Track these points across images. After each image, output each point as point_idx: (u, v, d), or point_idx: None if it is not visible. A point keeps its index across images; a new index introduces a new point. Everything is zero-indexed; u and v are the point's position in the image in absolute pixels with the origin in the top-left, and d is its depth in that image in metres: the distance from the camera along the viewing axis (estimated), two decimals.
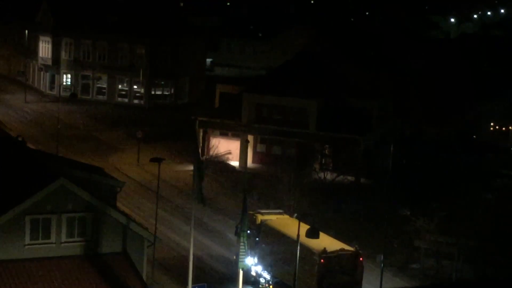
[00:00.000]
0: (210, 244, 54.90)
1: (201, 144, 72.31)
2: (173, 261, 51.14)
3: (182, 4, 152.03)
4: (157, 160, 48.16)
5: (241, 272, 41.51)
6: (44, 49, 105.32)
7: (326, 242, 44.29)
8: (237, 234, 49.17)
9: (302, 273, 43.27)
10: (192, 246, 37.79)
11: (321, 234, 45.47)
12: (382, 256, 46.95)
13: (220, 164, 71.59)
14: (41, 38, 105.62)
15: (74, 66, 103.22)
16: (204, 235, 55.70)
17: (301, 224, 41.34)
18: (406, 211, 53.46)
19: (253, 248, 47.00)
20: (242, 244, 41.00)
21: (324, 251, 43.33)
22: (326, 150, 73.77)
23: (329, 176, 66.35)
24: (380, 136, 71.56)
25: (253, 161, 75.09)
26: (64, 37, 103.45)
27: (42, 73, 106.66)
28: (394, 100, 78.83)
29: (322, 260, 43.21)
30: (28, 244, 35.01)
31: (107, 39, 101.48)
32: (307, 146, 71.68)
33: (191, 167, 52.17)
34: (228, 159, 73.96)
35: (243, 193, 44.20)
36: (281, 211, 51.57)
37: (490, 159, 71.20)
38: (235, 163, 74.03)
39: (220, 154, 73.07)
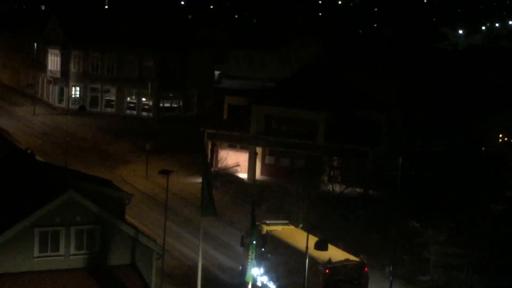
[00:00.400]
0: (217, 255, 54.88)
1: (209, 156, 72.29)
2: (182, 273, 51.09)
3: (190, 17, 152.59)
4: (165, 172, 48.21)
5: (250, 285, 41.49)
6: (53, 61, 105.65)
7: (331, 253, 44.22)
8: (243, 244, 49.41)
9: (307, 283, 43.15)
10: (201, 258, 37.80)
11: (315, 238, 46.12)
12: (391, 268, 46.84)
13: (229, 176, 71.60)
14: (50, 50, 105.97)
15: (83, 79, 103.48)
16: (211, 247, 55.67)
17: (310, 236, 41.33)
18: (415, 223, 53.34)
19: (258, 258, 46.93)
20: (250, 256, 41.01)
21: (329, 261, 43.38)
22: (335, 162, 73.67)
23: (337, 188, 66.24)
24: (389, 148, 71.45)
25: (262, 173, 75.03)
26: (73, 50, 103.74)
27: (51, 85, 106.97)
28: (403, 111, 78.76)
29: (327, 270, 43.28)
30: (37, 257, 35.05)
31: (116, 51, 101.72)
32: (315, 158, 71.56)
33: (199, 179, 52.20)
34: (236, 171, 73.95)
35: (251, 205, 44.25)
36: (286, 221, 51.59)
37: (498, 170, 70.98)
38: (243, 175, 74.01)
39: (228, 166, 73.09)
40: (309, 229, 43.33)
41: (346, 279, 43.47)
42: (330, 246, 44.51)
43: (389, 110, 76.62)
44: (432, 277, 52.41)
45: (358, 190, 66.59)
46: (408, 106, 79.44)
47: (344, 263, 43.92)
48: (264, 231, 48.76)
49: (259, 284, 47.93)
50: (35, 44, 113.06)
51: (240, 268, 50.20)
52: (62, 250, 35.49)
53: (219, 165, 72.86)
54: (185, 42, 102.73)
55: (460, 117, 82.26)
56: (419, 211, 55.00)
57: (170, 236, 52.27)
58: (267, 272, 47.46)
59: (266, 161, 76.08)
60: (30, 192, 37.23)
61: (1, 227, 34.50)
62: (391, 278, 46.48)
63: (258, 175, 74.21)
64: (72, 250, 35.67)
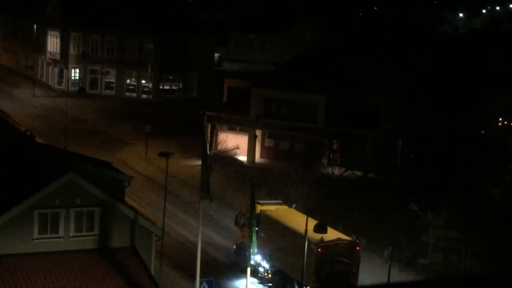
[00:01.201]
0: (215, 237, 55.02)
1: (209, 139, 72.28)
2: (181, 255, 51.19)
3: None
4: (165, 155, 48.16)
5: (248, 270, 41.61)
6: (53, 43, 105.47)
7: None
8: (237, 224, 50.02)
9: (300, 263, 43.83)
10: (200, 241, 37.87)
11: (312, 220, 46.45)
12: (390, 251, 46.95)
13: (228, 158, 71.62)
14: (50, 32, 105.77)
15: (83, 61, 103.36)
16: (210, 228, 55.77)
17: (309, 219, 41.48)
18: (414, 206, 53.40)
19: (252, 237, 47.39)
20: (252, 239, 41.12)
21: (322, 240, 43.74)
22: (335, 145, 73.72)
23: (337, 171, 66.29)
24: (389, 131, 71.45)
25: (261, 156, 75.07)
26: (72, 32, 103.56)
27: (50, 67, 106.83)
28: (404, 95, 78.70)
29: (319, 249, 43.80)
30: (37, 238, 35.12)
31: (116, 33, 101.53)
32: (315, 141, 71.63)
33: (199, 162, 52.25)
34: (236, 154, 73.97)
35: (251, 187, 44.37)
36: (280, 201, 51.92)
37: (498, 154, 71.03)
38: (243, 158, 74.03)
39: (228, 149, 73.10)
40: (308, 212, 43.49)
41: (338, 258, 43.97)
42: (313, 221, 45.22)
43: (389, 94, 76.57)
44: (431, 261, 52.53)
45: (357, 173, 66.65)
46: (408, 90, 79.34)
47: (336, 242, 44.49)
48: (257, 211, 48.95)
49: (252, 263, 48.15)
50: (35, 26, 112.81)
51: (234, 247, 50.80)
52: (61, 232, 35.56)
53: (219, 148, 72.86)
54: (185, 25, 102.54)
55: (460, 101, 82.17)
56: (418, 195, 55.04)
57: (169, 218, 52.32)
58: (260, 251, 47.69)
59: (266, 144, 76.10)
60: (29, 174, 37.26)
61: (1, 209, 34.54)
62: (389, 261, 46.56)
63: (257, 158, 74.21)
64: (72, 232, 35.74)
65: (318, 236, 43.54)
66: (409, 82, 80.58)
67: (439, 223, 51.96)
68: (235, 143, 74.75)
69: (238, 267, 49.35)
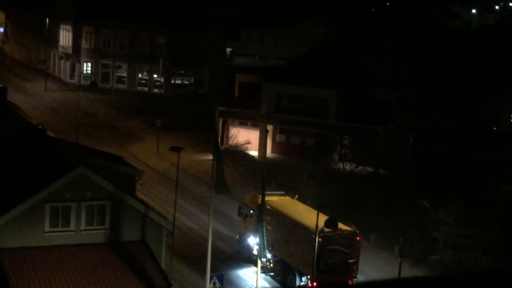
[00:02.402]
0: (223, 230, 55.08)
1: (220, 134, 72.33)
2: (191, 249, 51.28)
3: None
4: (176, 149, 48.24)
5: (259, 263, 41.77)
6: (65, 37, 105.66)
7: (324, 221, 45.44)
8: (240, 214, 51.13)
9: (300, 252, 44.97)
10: (211, 235, 37.93)
11: (320, 214, 46.97)
12: (400, 247, 46.93)
13: (239, 153, 71.64)
14: (62, 26, 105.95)
15: (95, 55, 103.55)
16: (219, 222, 55.82)
17: (318, 212, 41.88)
18: (425, 202, 53.33)
19: (255, 228, 48.00)
20: (262, 235, 41.29)
21: (322, 230, 44.16)
22: (346, 141, 73.65)
23: (348, 166, 66.25)
24: (400, 127, 71.34)
25: (273, 151, 75.05)
26: (84, 26, 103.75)
27: (62, 61, 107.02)
28: (415, 90, 78.55)
29: (319, 239, 44.05)
30: (48, 232, 35.24)
31: (128, 28, 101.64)
32: (326, 136, 71.57)
33: (210, 157, 52.32)
34: (247, 149, 73.99)
35: (261, 182, 44.56)
36: (282, 192, 52.20)
37: (510, 150, 70.80)
38: (254, 153, 74.05)
39: (239, 144, 73.12)
40: (318, 207, 43.81)
41: (338, 248, 44.29)
42: (321, 215, 46.14)
43: (400, 89, 76.43)
44: (441, 257, 52.45)
45: (368, 169, 66.58)
46: (419, 85, 79.19)
47: (337, 233, 44.91)
48: (260, 201, 49.39)
49: (255, 252, 48.86)
50: (47, 19, 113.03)
51: (237, 237, 51.65)
52: (72, 226, 35.67)
53: (230, 143, 72.88)
54: (197, 19, 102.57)
55: (472, 97, 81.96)
56: (429, 191, 54.96)
57: (179, 212, 52.45)
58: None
59: (277, 139, 76.08)
60: (41, 168, 37.37)
61: (12, 202, 34.67)
62: (400, 257, 46.53)
63: (268, 153, 74.10)
64: (83, 226, 35.84)
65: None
66: (420, 77, 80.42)
67: (450, 219, 51.86)
68: (246, 138, 74.76)
69: (241, 257, 50.15)
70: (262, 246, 41.74)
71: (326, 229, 44.15)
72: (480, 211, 51.57)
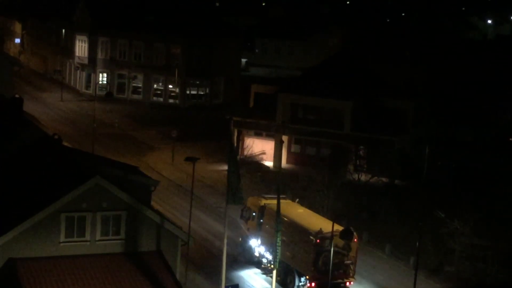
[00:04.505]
0: (232, 235, 55.02)
1: (235, 144, 72.33)
2: (205, 259, 51.26)
3: (217, 4, 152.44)
4: (191, 160, 48.28)
5: (275, 272, 41.78)
6: (81, 48, 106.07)
7: (323, 223, 46.69)
8: (242, 217, 52.41)
9: (299, 253, 46.13)
10: (225, 248, 37.88)
11: (317, 216, 49.62)
12: (416, 258, 46.73)
13: (254, 164, 71.62)
14: (78, 37, 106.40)
15: (110, 65, 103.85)
16: (233, 231, 55.77)
17: (324, 219, 42.41)
18: (441, 213, 53.13)
19: (257, 230, 50.12)
20: (277, 244, 41.36)
21: (320, 231, 45.36)
22: (361, 151, 73.55)
23: (363, 177, 66.12)
24: (415, 137, 71.17)
25: (287, 162, 75.02)
26: (100, 37, 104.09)
27: (78, 72, 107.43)
28: (430, 101, 78.42)
29: (318, 240, 45.29)
30: (63, 242, 35.25)
31: (143, 38, 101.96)
32: (341, 147, 71.47)
33: (225, 167, 52.31)
34: (262, 159, 73.98)
35: (276, 193, 44.69)
36: (284, 196, 52.55)
37: None
38: (269, 163, 74.02)
39: (254, 154, 73.13)
40: (334, 218, 44.11)
41: (336, 249, 44.66)
42: (318, 217, 49.16)
43: (415, 99, 76.28)
44: (457, 268, 52.18)
45: (384, 179, 66.41)
46: (435, 96, 79.05)
47: (335, 234, 44.94)
48: (262, 203, 50.89)
49: (256, 254, 50.25)
50: (63, 30, 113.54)
51: (240, 239, 52.56)
52: (88, 236, 35.67)
53: (245, 153, 72.90)
54: (212, 29, 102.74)
55: (487, 107, 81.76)
56: (445, 201, 54.76)
57: (194, 222, 52.46)
58: (264, 243, 49.47)
59: (292, 150, 76.06)
60: (57, 178, 37.43)
61: (28, 212, 34.73)
62: (416, 268, 46.32)
63: (284, 163, 74.17)
64: (98, 236, 35.84)
65: (316, 227, 45.79)
66: (436, 88, 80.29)
67: (466, 230, 51.61)
68: (262, 149, 74.79)
69: (243, 258, 51.11)
70: (275, 256, 41.80)
71: (324, 231, 45.09)
72: (497, 222, 51.31)
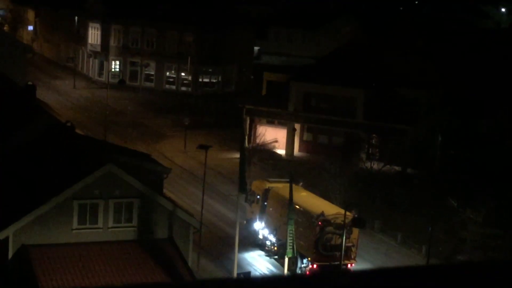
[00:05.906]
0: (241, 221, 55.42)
1: (247, 132, 72.34)
2: (217, 246, 51.34)
3: None
4: (204, 147, 48.33)
5: (286, 260, 41.90)
6: (94, 35, 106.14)
7: (325, 206, 47.67)
8: (247, 200, 53.06)
9: (301, 235, 46.53)
10: (238, 235, 37.92)
11: (319, 199, 50.55)
12: (428, 247, 46.72)
13: (267, 152, 71.60)
14: (91, 24, 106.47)
15: (123, 53, 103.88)
16: (242, 218, 55.98)
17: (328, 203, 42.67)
18: (453, 202, 53.02)
19: (261, 212, 50.97)
20: (290, 233, 41.57)
21: (322, 214, 46.13)
22: (373, 140, 73.43)
23: (376, 165, 66.02)
24: (428, 126, 70.99)
25: (300, 150, 74.97)
26: (113, 24, 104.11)
27: (91, 59, 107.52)
28: (444, 90, 78.13)
29: (320, 223, 46.00)
30: (76, 229, 35.40)
31: (156, 26, 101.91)
32: (354, 136, 71.39)
33: (237, 155, 52.36)
34: (274, 147, 73.94)
35: (289, 181, 44.93)
36: (288, 180, 52.65)
37: None
38: (281, 151, 73.99)
39: (266, 142, 73.09)
40: (346, 206, 44.49)
41: (338, 232, 45.09)
42: (320, 199, 50.04)
43: (428, 89, 76.03)
44: (469, 257, 52.10)
45: (396, 168, 66.31)
46: (448, 85, 78.72)
47: (336, 217, 46.12)
48: (266, 187, 51.98)
49: (260, 236, 51.05)
50: (76, 18, 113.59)
51: (245, 222, 53.01)
52: (100, 223, 35.79)
53: (257, 141, 72.86)
54: (225, 17, 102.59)
55: (501, 97, 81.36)
56: (457, 191, 54.63)
57: (206, 210, 52.53)
58: (268, 225, 50.48)
59: (304, 138, 75.99)
60: (69, 165, 37.55)
61: (41, 199, 34.87)
62: (427, 257, 46.32)
63: (296, 151, 74.14)
64: (111, 223, 35.96)
65: (318, 210, 46.61)
66: (449, 77, 79.94)
67: (478, 220, 51.51)
68: (274, 137, 74.73)
69: (247, 241, 51.33)
70: (289, 244, 42.01)
71: (326, 214, 45.95)
72: (509, 212, 51.17)
